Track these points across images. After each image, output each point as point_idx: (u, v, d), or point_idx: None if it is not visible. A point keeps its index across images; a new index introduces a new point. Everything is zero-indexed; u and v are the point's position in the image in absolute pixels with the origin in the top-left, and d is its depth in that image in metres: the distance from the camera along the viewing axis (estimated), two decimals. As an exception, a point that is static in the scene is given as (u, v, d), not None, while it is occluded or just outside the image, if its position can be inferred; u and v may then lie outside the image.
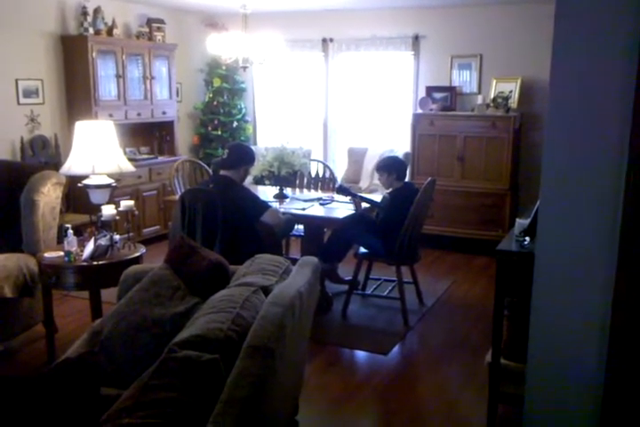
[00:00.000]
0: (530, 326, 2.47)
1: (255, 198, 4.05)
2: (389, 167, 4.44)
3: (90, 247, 3.47)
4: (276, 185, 4.88)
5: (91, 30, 5.69)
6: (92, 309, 3.57)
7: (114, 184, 3.79)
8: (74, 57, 5.68)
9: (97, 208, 3.72)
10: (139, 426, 1.54)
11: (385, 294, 4.78)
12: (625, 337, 2.26)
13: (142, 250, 3.69)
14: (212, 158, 6.78)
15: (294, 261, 2.67)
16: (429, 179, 4.37)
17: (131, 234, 3.82)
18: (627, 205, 2.16)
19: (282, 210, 4.31)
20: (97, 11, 5.77)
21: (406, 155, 6.23)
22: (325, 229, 4.91)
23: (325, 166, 5.87)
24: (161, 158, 6.50)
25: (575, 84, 2.24)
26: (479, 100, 6.09)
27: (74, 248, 3.50)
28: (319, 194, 5.09)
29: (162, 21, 6.56)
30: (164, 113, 6.56)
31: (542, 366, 2.46)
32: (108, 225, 3.69)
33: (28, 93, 5.45)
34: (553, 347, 2.41)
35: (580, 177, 2.26)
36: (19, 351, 3.77)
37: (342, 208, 4.51)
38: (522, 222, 2.82)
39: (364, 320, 4.42)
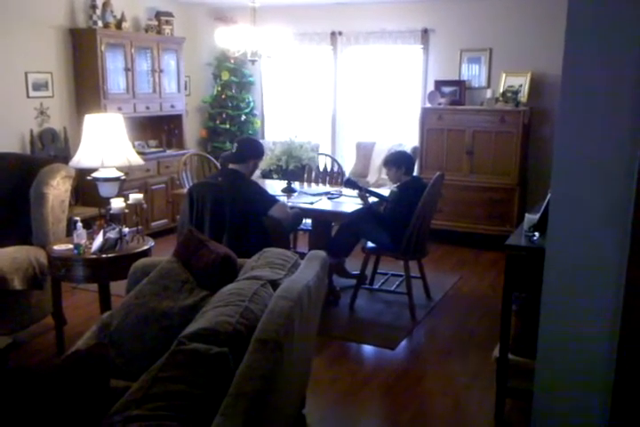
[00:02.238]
0: (540, 322, 2.46)
1: (263, 192, 4.05)
2: (398, 161, 4.43)
3: (99, 240, 3.48)
4: (284, 179, 4.88)
5: (100, 23, 5.70)
6: (100, 301, 3.59)
7: (123, 177, 3.79)
8: (83, 50, 5.68)
9: (106, 201, 3.73)
10: (147, 418, 1.55)
11: (392, 288, 4.78)
12: (636, 333, 2.25)
13: (151, 243, 3.70)
14: (220, 152, 6.78)
15: (302, 255, 2.67)
16: (438, 173, 4.36)
17: (139, 227, 3.83)
18: (638, 200, 2.15)
19: (290, 204, 4.31)
20: (106, 4, 5.77)
21: (414, 149, 6.21)
22: (333, 224, 4.91)
23: (333, 160, 5.86)
24: (169, 152, 6.51)
25: (587, 78, 2.22)
26: (488, 94, 6.06)
27: (83, 241, 3.51)
28: (327, 188, 5.09)
29: (170, 15, 6.55)
30: (172, 106, 6.56)
31: (552, 361, 2.45)
32: (117, 218, 3.70)
33: (37, 86, 5.46)
34: (563, 342, 2.40)
35: (591, 172, 2.25)
36: (28, 343, 3.80)
37: (350, 202, 4.50)
38: (531, 218, 2.81)
39: (371, 315, 4.42)
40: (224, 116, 7.20)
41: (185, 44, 6.66)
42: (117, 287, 3.54)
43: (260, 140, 4.90)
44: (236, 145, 4.10)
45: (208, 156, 5.90)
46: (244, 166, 4.01)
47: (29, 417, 1.74)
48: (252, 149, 4.06)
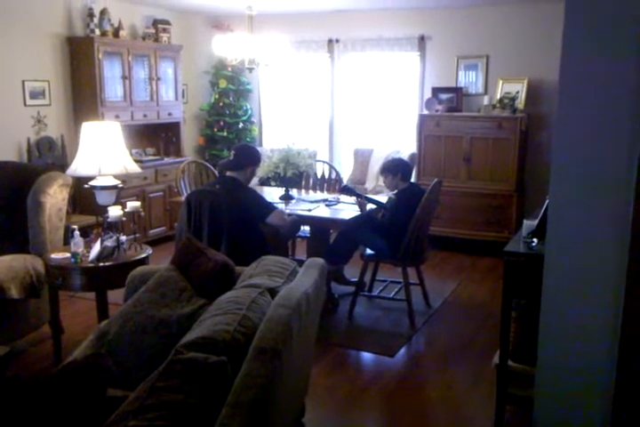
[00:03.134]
0: (539, 329, 2.45)
1: (261, 199, 4.05)
2: (395, 169, 4.43)
3: (96, 248, 3.47)
4: (281, 186, 4.88)
5: (97, 32, 5.71)
6: (98, 310, 3.57)
7: (120, 185, 3.79)
8: (80, 58, 5.69)
9: (103, 209, 3.72)
10: (145, 428, 1.53)
11: (391, 295, 4.77)
12: (637, 339, 2.24)
13: (148, 251, 3.69)
14: (218, 160, 6.78)
15: (300, 263, 2.66)
16: (435, 180, 4.36)
17: (137, 235, 3.83)
18: (637, 206, 2.15)
19: (288, 211, 4.31)
20: (103, 12, 5.78)
21: (412, 156, 6.22)
22: (331, 231, 4.90)
23: (331, 167, 5.86)
24: (167, 160, 6.51)
25: (585, 84, 2.22)
26: (485, 100, 6.07)
27: (80, 249, 3.50)
28: (325, 195, 5.08)
29: (168, 22, 6.57)
30: (169, 114, 6.56)
31: (552, 368, 2.44)
32: (115, 226, 3.69)
33: (34, 95, 5.46)
34: (563, 349, 2.39)
35: (590, 178, 2.24)
36: (25, 352, 3.78)
37: (348, 209, 4.50)
38: (529, 224, 2.81)
39: (370, 322, 4.41)
40: (222, 123, 7.21)
41: (182, 51, 6.67)
42: (115, 296, 3.53)
43: (258, 148, 4.92)
44: (233, 152, 4.10)
45: (206, 163, 5.90)
46: (242, 174, 4.00)
47: (26, 428, 1.73)
48: (249, 157, 4.06)
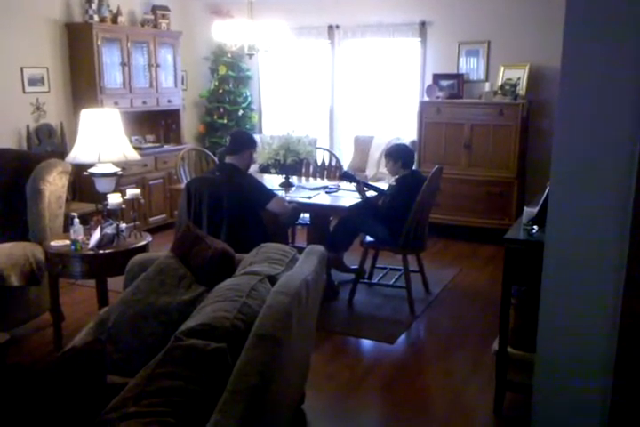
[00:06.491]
0: (539, 315, 2.46)
1: (261, 187, 4.04)
2: (396, 154, 4.42)
3: (96, 236, 3.47)
4: (281, 173, 4.87)
5: (96, 18, 5.67)
6: (98, 297, 3.58)
7: (119, 173, 3.78)
8: (79, 45, 5.66)
9: (103, 197, 3.72)
10: (145, 414, 1.54)
11: (391, 282, 4.77)
12: (635, 325, 2.24)
13: (148, 238, 3.69)
14: (218, 147, 6.77)
15: (300, 250, 2.66)
16: (436, 167, 4.35)
17: (137, 222, 3.83)
18: (638, 193, 2.14)
19: (288, 198, 4.30)
20: (101, -2, 5.74)
21: (413, 143, 6.20)
22: (331, 218, 4.89)
23: (331, 154, 5.84)
24: (167, 147, 6.49)
25: (586, 70, 2.20)
26: (487, 87, 6.03)
27: (80, 237, 3.50)
28: (325, 182, 5.07)
29: (167, 8, 6.52)
30: (169, 101, 6.54)
31: (551, 354, 2.45)
32: (114, 214, 3.68)
33: (33, 82, 5.43)
34: (562, 336, 2.40)
35: (591, 165, 2.23)
36: (25, 340, 3.79)
37: (348, 196, 4.49)
38: (530, 211, 2.80)
39: (370, 309, 4.42)
40: (221, 110, 7.18)
41: (182, 38, 6.63)
42: (115, 283, 3.53)
43: (258, 135, 4.90)
44: (229, 138, 4.12)
45: (206, 151, 5.88)
46: (240, 158, 4.00)
47: (26, 414, 1.73)
48: (244, 139, 4.08)
